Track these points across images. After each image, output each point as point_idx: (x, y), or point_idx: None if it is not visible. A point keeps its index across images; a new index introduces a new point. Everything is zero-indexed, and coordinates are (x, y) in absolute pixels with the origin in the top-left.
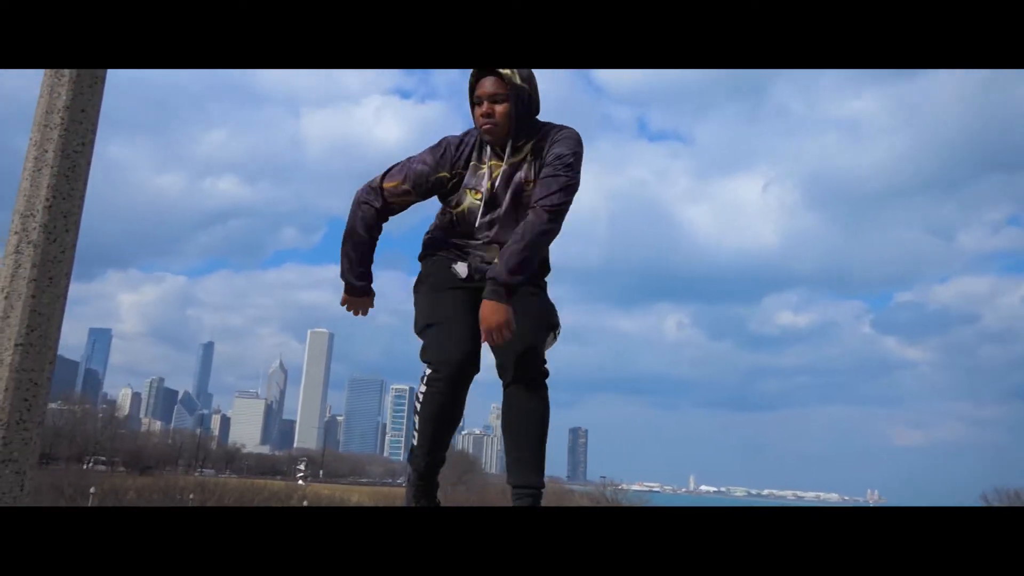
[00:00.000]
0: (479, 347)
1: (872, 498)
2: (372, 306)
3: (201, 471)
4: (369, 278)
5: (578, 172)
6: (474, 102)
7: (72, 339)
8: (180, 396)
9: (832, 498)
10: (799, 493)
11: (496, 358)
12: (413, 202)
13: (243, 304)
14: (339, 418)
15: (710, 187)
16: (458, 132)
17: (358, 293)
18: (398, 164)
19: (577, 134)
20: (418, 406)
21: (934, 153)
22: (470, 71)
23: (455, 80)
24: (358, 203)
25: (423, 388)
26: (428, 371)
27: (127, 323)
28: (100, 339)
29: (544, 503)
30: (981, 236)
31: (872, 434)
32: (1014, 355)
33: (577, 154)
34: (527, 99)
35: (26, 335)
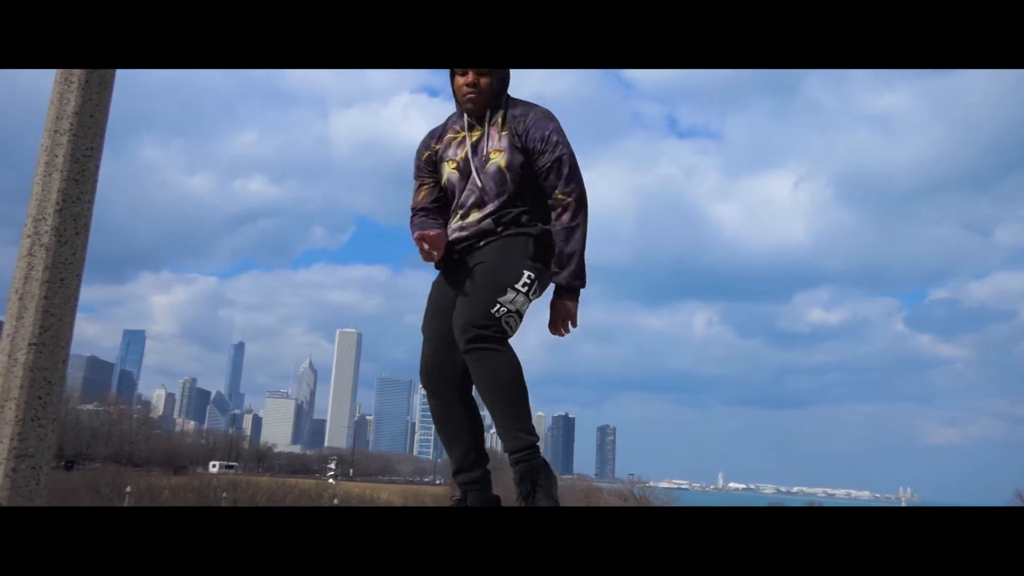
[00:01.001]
0: (439, 356)
1: (905, 496)
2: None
3: (232, 468)
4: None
5: (568, 143)
6: (456, 72)
7: (107, 341)
8: (212, 396)
9: (864, 496)
10: (829, 491)
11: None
12: (431, 186)
13: (273, 304)
14: (368, 417)
15: (740, 184)
16: None
17: (423, 236)
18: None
19: (547, 110)
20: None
21: (969, 149)
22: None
23: None
24: (411, 218)
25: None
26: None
27: (160, 324)
28: (134, 340)
29: (573, 502)
30: (1019, 232)
31: (905, 432)
32: None
33: (558, 129)
34: (504, 74)
35: (39, 335)
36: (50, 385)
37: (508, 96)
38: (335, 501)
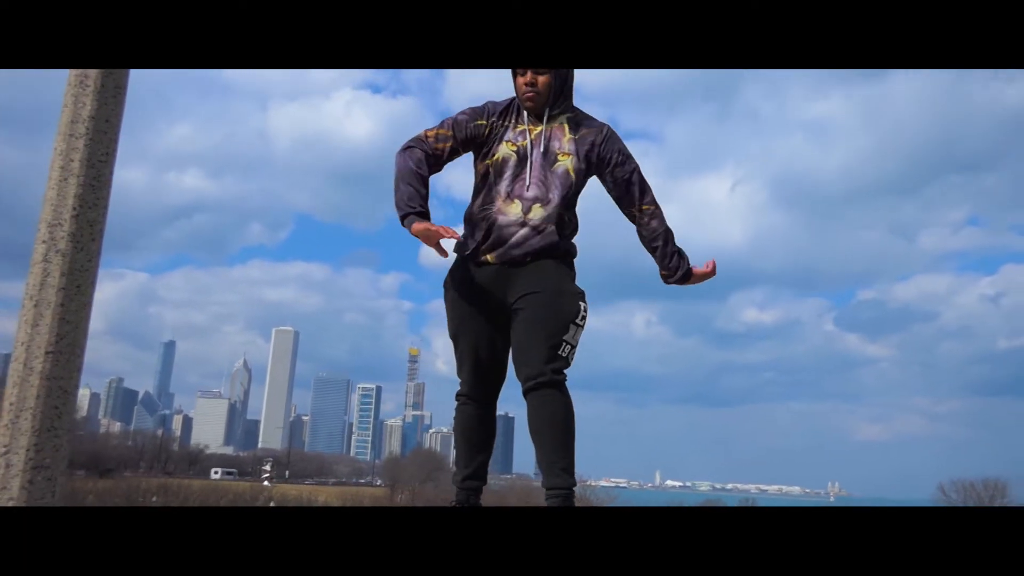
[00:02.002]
0: (498, 369)
1: (833, 491)
2: (455, 236)
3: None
4: (424, 207)
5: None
6: (517, 72)
7: None
8: (140, 396)
9: (794, 491)
10: (762, 487)
11: (513, 360)
12: (455, 149)
13: (207, 301)
14: (304, 418)
15: (680, 186)
16: (430, 125)
17: (416, 221)
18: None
19: (613, 130)
20: (454, 424)
21: (897, 154)
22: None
23: (425, 76)
24: (404, 148)
25: (456, 404)
26: (458, 398)
27: None
28: None
29: (514, 502)
30: (941, 236)
31: (833, 429)
32: (970, 351)
33: (620, 141)
34: (565, 75)
35: (56, 343)
36: (66, 395)
37: (572, 103)
38: (271, 503)
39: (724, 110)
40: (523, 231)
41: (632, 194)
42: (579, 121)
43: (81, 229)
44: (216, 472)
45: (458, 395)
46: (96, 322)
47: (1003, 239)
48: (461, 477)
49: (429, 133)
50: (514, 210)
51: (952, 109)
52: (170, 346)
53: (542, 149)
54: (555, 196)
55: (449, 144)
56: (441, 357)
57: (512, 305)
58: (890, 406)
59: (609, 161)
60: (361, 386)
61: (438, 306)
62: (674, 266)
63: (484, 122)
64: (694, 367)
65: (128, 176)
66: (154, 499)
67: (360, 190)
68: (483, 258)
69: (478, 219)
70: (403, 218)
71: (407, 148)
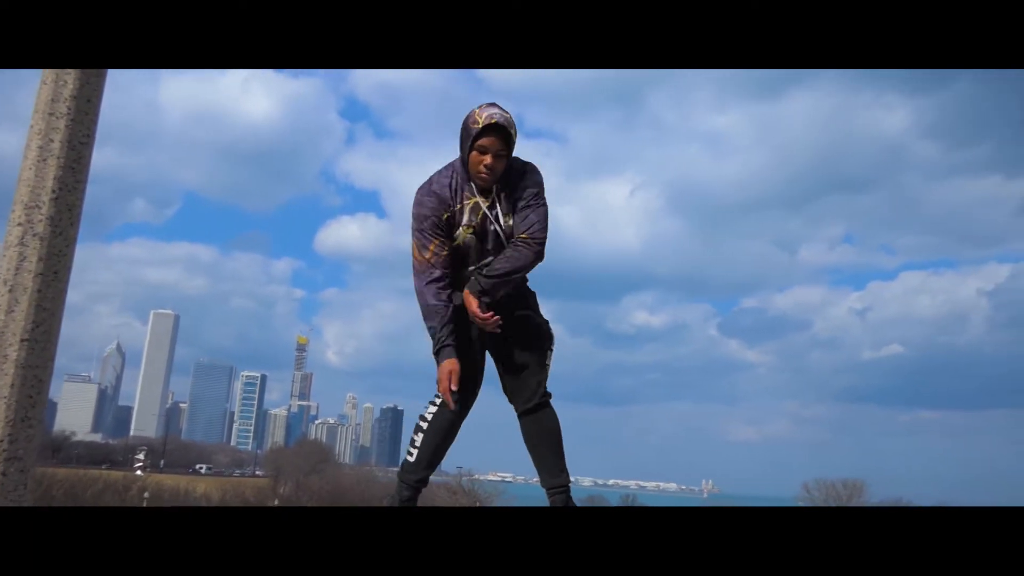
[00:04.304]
0: (479, 378)
1: (707, 488)
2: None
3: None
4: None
5: (545, 201)
6: (476, 148)
7: None
8: None
9: (671, 487)
10: (641, 483)
11: (505, 385)
12: (445, 247)
13: (79, 280)
14: (182, 405)
15: (580, 188)
16: (331, 112)
17: (448, 356)
18: (415, 235)
19: (535, 167)
20: (423, 425)
21: (786, 170)
22: (471, 111)
23: None
24: (418, 282)
25: (432, 408)
26: (437, 398)
27: None
28: None
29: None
30: (819, 251)
31: (710, 429)
32: (837, 361)
33: (541, 185)
34: (512, 146)
35: (31, 330)
36: (40, 383)
37: None
38: (145, 495)
39: (630, 116)
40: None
41: (527, 222)
42: (511, 178)
43: (60, 213)
44: (201, 468)
45: (437, 396)
46: None
47: (872, 257)
48: (418, 477)
49: (428, 259)
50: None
51: (838, 131)
52: None
53: (494, 227)
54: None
55: (444, 247)
56: (332, 348)
57: (495, 336)
58: (763, 409)
59: (523, 200)
60: (245, 374)
61: (332, 295)
62: (487, 270)
63: (447, 214)
64: (584, 366)
65: None
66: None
67: (255, 170)
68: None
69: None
70: (436, 352)
71: (427, 285)
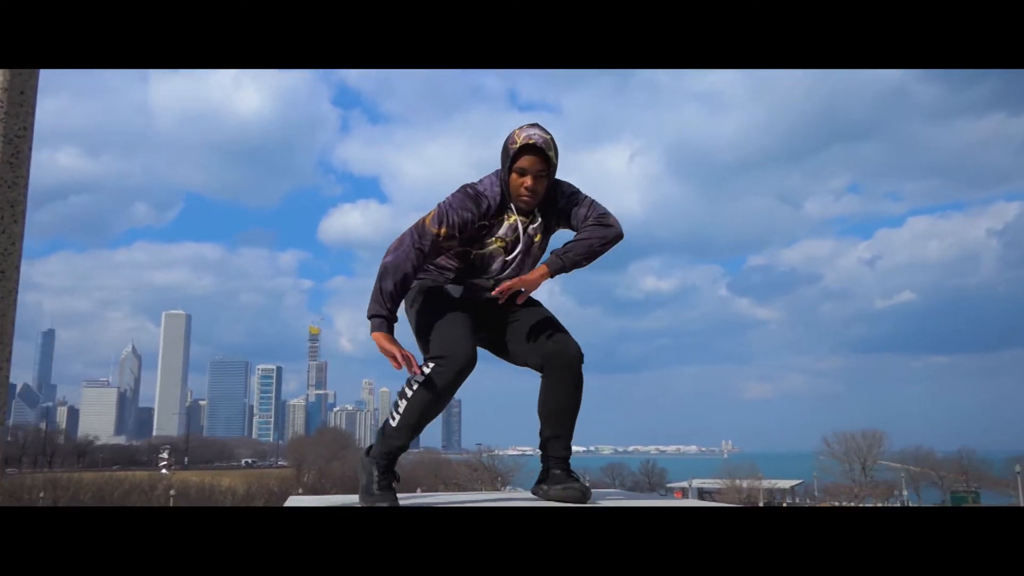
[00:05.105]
0: (476, 349)
1: (727, 448)
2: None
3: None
4: (393, 315)
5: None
6: (515, 170)
7: None
8: (19, 389)
9: (691, 450)
10: (661, 448)
11: (531, 354)
12: (453, 246)
13: (88, 287)
14: (202, 403)
15: (578, 158)
16: (323, 101)
17: (389, 328)
18: (440, 210)
19: (584, 194)
20: (408, 392)
21: (783, 126)
22: (511, 132)
23: None
24: (409, 241)
25: (421, 377)
26: (432, 364)
27: None
28: None
29: (424, 473)
30: (825, 203)
31: (726, 389)
32: (849, 311)
33: (577, 189)
34: (554, 173)
35: None
36: None
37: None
38: (172, 492)
39: (622, 81)
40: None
41: (590, 217)
42: (557, 203)
43: (2, 210)
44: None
45: (436, 358)
46: None
47: (878, 205)
48: (401, 444)
49: (440, 232)
50: (489, 282)
51: (835, 79)
52: (49, 335)
53: (523, 244)
54: (528, 269)
55: (451, 243)
56: (344, 335)
57: (504, 316)
58: (777, 366)
59: (570, 212)
60: (261, 367)
61: (340, 283)
62: (573, 244)
63: (486, 223)
64: (595, 335)
65: None
66: (42, 495)
67: (253, 166)
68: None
69: (456, 278)
70: (371, 316)
71: (415, 247)
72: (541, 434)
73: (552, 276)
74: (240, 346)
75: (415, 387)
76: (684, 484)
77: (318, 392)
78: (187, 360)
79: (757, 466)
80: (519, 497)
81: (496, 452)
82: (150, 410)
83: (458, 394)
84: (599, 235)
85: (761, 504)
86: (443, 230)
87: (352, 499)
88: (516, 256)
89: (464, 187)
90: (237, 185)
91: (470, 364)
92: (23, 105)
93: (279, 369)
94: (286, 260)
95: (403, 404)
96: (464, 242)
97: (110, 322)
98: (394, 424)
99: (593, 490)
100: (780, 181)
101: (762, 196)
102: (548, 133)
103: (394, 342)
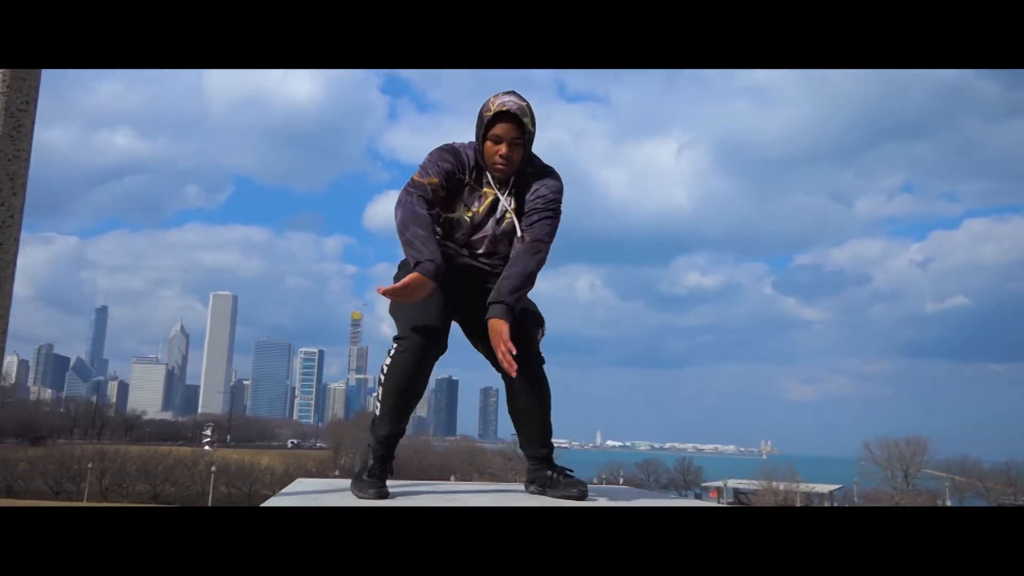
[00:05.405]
0: (448, 327)
1: (766, 449)
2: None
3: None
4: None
5: (560, 211)
6: (489, 138)
7: None
8: (72, 363)
9: (729, 449)
10: (699, 446)
11: (494, 362)
12: (440, 196)
13: (141, 266)
14: (245, 382)
15: (626, 150)
16: (372, 89)
17: (435, 273)
18: (422, 166)
19: (557, 173)
20: (382, 377)
21: (835, 123)
22: (486, 100)
23: None
24: (407, 194)
25: (388, 360)
26: (395, 344)
27: None
28: None
29: (459, 462)
30: (877, 202)
31: (767, 389)
32: (900, 313)
33: (560, 192)
34: (532, 138)
35: None
36: None
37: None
38: (213, 468)
39: (672, 74)
40: (475, 264)
41: (534, 228)
42: (529, 178)
43: (1, 183)
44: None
45: (402, 339)
46: (22, 287)
47: (933, 206)
48: (386, 431)
49: (428, 182)
50: (464, 253)
51: (888, 77)
52: (102, 311)
53: (497, 217)
54: (502, 250)
55: (440, 195)
56: (385, 321)
57: (477, 302)
58: (821, 367)
59: (532, 206)
60: (303, 350)
61: (382, 269)
62: (499, 285)
63: (463, 176)
64: (637, 330)
65: (52, 135)
66: (90, 465)
67: (302, 151)
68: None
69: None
70: (418, 263)
71: (412, 193)
72: (517, 435)
73: (509, 321)
74: (284, 328)
75: (384, 372)
76: (719, 484)
77: (358, 377)
78: (232, 340)
79: (796, 469)
80: (521, 490)
81: None
82: (196, 388)
83: (496, 384)
84: (529, 270)
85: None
86: (433, 179)
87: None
88: (487, 229)
89: (443, 145)
90: (286, 170)
91: (436, 345)
92: (26, 79)
93: (321, 352)
94: (331, 245)
95: (379, 391)
96: (442, 200)
97: (161, 300)
98: (377, 413)
99: (604, 487)
100: (831, 179)
101: (811, 194)
102: (524, 100)
103: (425, 288)
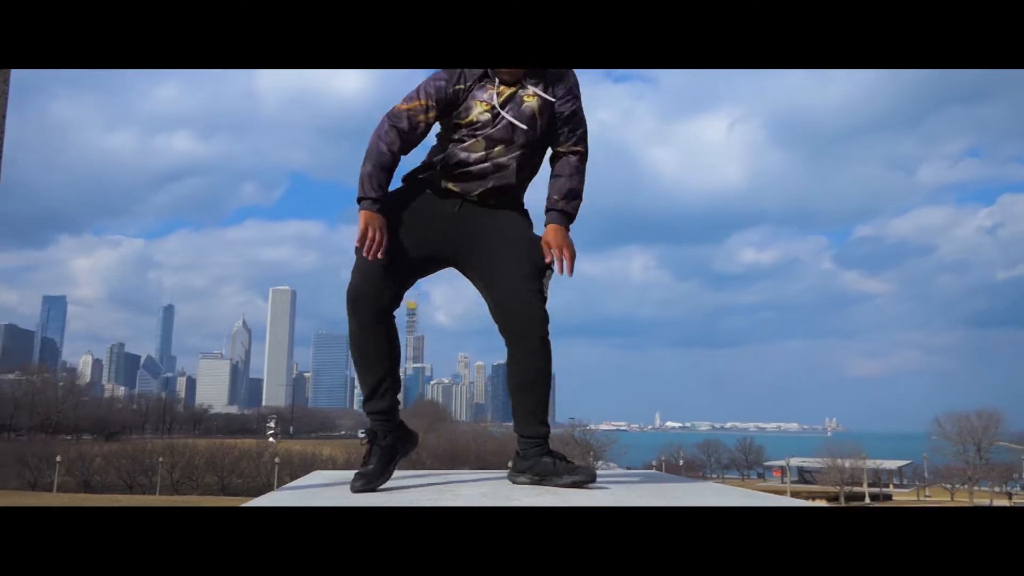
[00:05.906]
0: (397, 283)
1: (830, 426)
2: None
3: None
4: (384, 196)
5: (582, 106)
6: None
7: (26, 308)
8: (143, 360)
9: (792, 427)
10: (760, 425)
11: (496, 319)
12: (433, 119)
13: (204, 264)
14: (307, 375)
15: (675, 128)
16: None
17: (372, 209)
18: (414, 89)
19: (572, 71)
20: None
21: (894, 89)
22: None
23: None
24: (381, 125)
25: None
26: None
27: (83, 289)
28: (55, 307)
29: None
30: (940, 169)
31: (830, 365)
32: (967, 283)
33: (578, 93)
34: None
35: None
36: None
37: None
38: (276, 460)
39: None
40: (484, 165)
41: (564, 131)
42: (544, 75)
43: None
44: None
45: (347, 300)
46: (94, 289)
47: (1002, 169)
48: (374, 407)
49: (408, 106)
50: (478, 147)
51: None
52: (169, 310)
53: (515, 101)
54: (519, 136)
55: (428, 116)
56: (441, 310)
57: (476, 247)
58: (885, 341)
59: (558, 96)
60: None
61: None
62: (558, 200)
63: (462, 87)
64: (693, 310)
65: (115, 141)
66: (160, 459)
67: (353, 145)
68: (445, 186)
69: (438, 154)
70: (359, 199)
71: (387, 125)
72: (513, 411)
73: (565, 226)
74: (342, 320)
75: (352, 345)
76: (782, 463)
77: (415, 365)
78: (292, 334)
79: (861, 446)
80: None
81: (589, 427)
82: (259, 381)
83: (554, 368)
84: (579, 175)
85: (865, 485)
86: (415, 103)
87: (398, 473)
88: (503, 128)
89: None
90: (338, 165)
91: (368, 303)
92: None
93: None
94: None
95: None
96: (443, 111)
97: (223, 297)
98: (362, 393)
99: (642, 471)
100: (890, 147)
101: (870, 164)
102: None
103: (374, 224)
